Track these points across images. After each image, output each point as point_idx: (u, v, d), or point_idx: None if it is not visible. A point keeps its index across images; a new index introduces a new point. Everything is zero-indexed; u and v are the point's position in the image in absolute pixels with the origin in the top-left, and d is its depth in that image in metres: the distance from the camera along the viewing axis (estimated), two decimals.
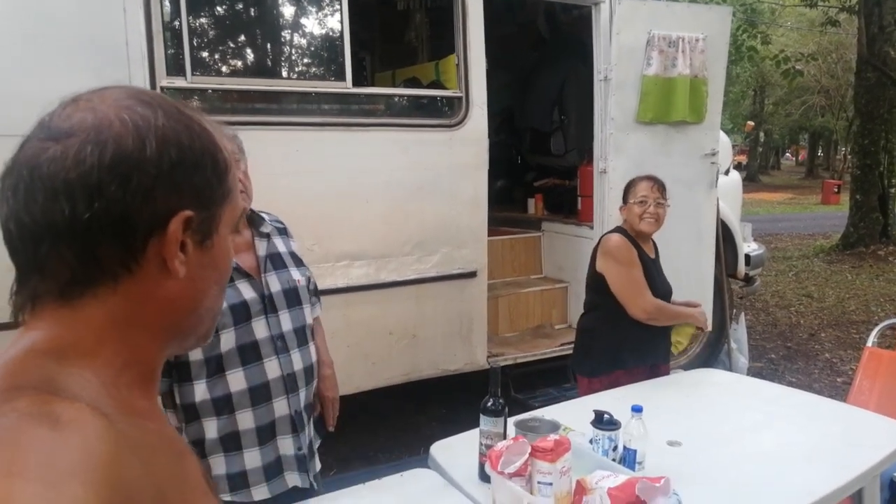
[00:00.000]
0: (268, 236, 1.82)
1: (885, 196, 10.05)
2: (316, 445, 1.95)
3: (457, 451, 1.92)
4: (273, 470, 1.75)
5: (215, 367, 1.67)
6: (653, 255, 2.75)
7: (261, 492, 1.73)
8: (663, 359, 2.76)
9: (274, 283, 1.77)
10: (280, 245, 1.86)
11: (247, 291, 1.72)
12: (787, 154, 47.77)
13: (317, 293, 2.01)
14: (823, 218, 15.66)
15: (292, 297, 1.81)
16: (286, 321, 1.77)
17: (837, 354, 5.57)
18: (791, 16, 21.25)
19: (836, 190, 21.08)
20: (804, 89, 23.79)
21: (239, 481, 1.73)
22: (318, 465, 1.90)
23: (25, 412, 0.49)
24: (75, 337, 0.58)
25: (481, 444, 1.78)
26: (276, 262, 1.82)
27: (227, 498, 1.73)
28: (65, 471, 0.45)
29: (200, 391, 1.68)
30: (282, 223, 1.94)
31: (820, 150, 37.41)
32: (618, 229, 2.73)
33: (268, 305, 1.74)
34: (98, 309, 0.59)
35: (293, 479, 1.78)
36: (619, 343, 2.64)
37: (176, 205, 0.59)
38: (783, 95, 26.16)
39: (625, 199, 2.71)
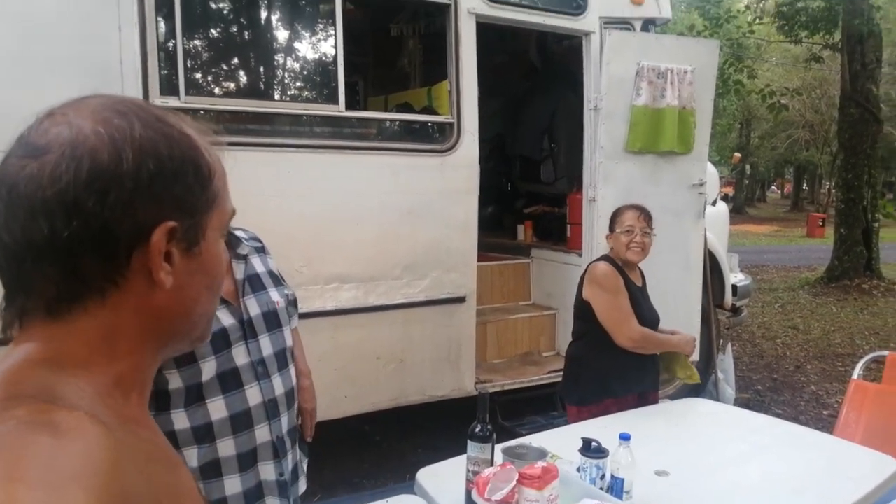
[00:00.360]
0: (245, 258, 1.77)
1: (869, 230, 10.18)
2: (304, 464, 1.91)
3: (444, 477, 1.91)
4: (253, 496, 1.70)
5: (195, 395, 1.62)
6: (640, 284, 2.76)
7: None
8: (652, 387, 2.76)
9: (253, 307, 1.72)
10: (258, 265, 1.81)
11: (225, 318, 1.66)
12: (773, 187, 48.42)
13: (295, 304, 1.96)
14: (809, 251, 15.83)
15: (272, 320, 1.76)
16: (266, 346, 1.72)
17: (823, 387, 5.59)
18: (776, 51, 21.69)
19: (820, 223, 21.34)
20: (789, 123, 24.24)
21: None
22: (302, 486, 1.86)
23: (25, 420, 0.49)
24: (68, 349, 0.57)
25: (468, 470, 1.76)
26: (254, 284, 1.76)
27: None
28: (66, 476, 0.46)
29: (180, 420, 1.63)
30: (259, 241, 1.88)
31: (805, 184, 37.96)
32: (604, 257, 2.74)
33: (247, 331, 1.69)
34: (88, 322, 0.58)
35: (273, 503, 1.75)
36: (607, 371, 2.64)
37: (157, 216, 0.58)
38: (769, 129, 26.63)
39: (611, 228, 2.73)
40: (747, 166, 31.52)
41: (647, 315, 2.68)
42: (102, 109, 0.59)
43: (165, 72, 2.85)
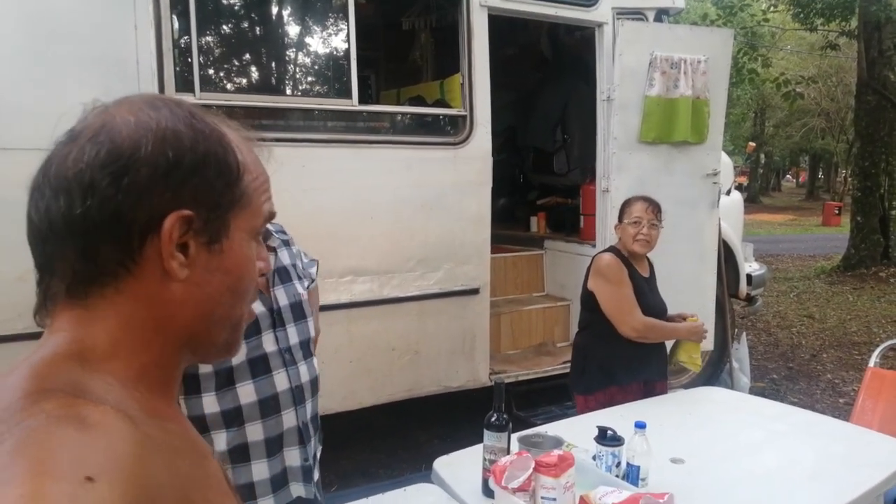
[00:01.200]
0: (275, 250, 1.85)
1: (886, 218, 10.07)
2: (318, 453, 1.96)
3: (460, 466, 1.93)
4: (279, 481, 1.76)
5: (225, 379, 1.69)
6: (646, 274, 2.77)
7: (267, 503, 1.75)
8: (658, 375, 2.77)
9: (282, 298, 1.80)
10: (285, 258, 1.89)
11: (257, 306, 1.74)
12: (788, 176, 47.93)
13: (314, 261, 2.07)
14: (824, 239, 15.68)
15: (298, 311, 1.84)
16: (293, 335, 1.80)
17: (839, 375, 5.56)
18: (791, 39, 21.43)
19: (836, 212, 21.13)
20: (805, 112, 23.97)
21: (246, 493, 1.74)
22: (316, 475, 1.91)
23: (53, 414, 0.50)
24: (92, 338, 0.59)
25: (485, 459, 1.78)
26: (282, 275, 1.84)
27: None
28: (92, 470, 0.46)
29: (210, 403, 1.70)
30: (286, 233, 1.96)
31: (820, 172, 37.55)
32: (611, 249, 2.76)
33: (276, 319, 1.77)
34: (107, 310, 0.60)
35: (297, 489, 1.79)
36: (611, 359, 2.66)
37: (173, 205, 0.59)
38: (784, 118, 26.34)
39: (620, 218, 2.74)
40: (762, 155, 31.21)
41: (652, 305, 2.69)
42: (140, 102, 0.61)
43: (181, 69, 2.88)
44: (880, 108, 9.78)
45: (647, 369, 2.71)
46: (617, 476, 1.82)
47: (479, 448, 1.82)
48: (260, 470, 1.73)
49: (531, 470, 1.62)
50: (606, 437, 1.88)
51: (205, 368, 1.68)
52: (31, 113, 2.37)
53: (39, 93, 2.46)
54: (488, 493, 1.72)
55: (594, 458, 1.89)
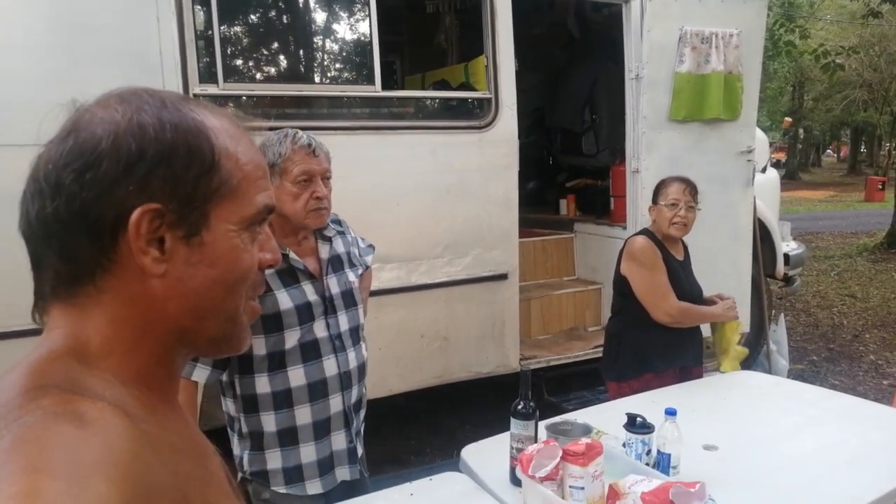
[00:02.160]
0: (330, 240, 1.91)
1: None
2: (362, 429, 2.02)
3: (488, 454, 1.91)
4: (326, 465, 1.84)
5: (278, 362, 1.76)
6: (681, 258, 2.70)
7: (314, 486, 1.81)
8: (694, 360, 2.71)
9: (334, 286, 1.87)
10: (340, 247, 1.95)
11: (311, 293, 1.81)
12: (829, 150, 46.60)
13: (371, 247, 2.18)
14: (867, 215, 15.22)
15: (349, 298, 1.91)
16: (343, 322, 1.87)
17: (883, 356, 5.40)
18: (831, 8, 20.76)
19: (880, 186, 20.48)
20: (845, 84, 23.15)
21: (294, 475, 1.80)
22: (360, 450, 1.96)
23: (50, 411, 0.50)
24: (85, 336, 0.59)
25: (512, 447, 1.76)
26: (335, 264, 1.91)
27: (282, 490, 1.80)
28: (89, 467, 0.46)
29: (262, 384, 1.77)
30: (340, 224, 2.03)
31: (863, 146, 36.39)
32: (644, 231, 2.70)
33: (328, 307, 1.84)
34: (94, 308, 0.59)
35: (343, 473, 1.87)
36: (646, 346, 2.61)
37: (140, 198, 0.57)
38: (823, 90, 25.49)
39: (655, 200, 2.67)
40: (800, 130, 30.37)
41: (687, 290, 2.63)
42: (111, 97, 0.61)
43: (204, 60, 2.89)
44: None
45: (683, 355, 2.66)
46: (647, 464, 1.78)
47: (506, 436, 1.80)
48: (308, 452, 1.81)
49: (559, 459, 1.60)
50: (636, 425, 1.84)
51: (258, 350, 1.75)
52: (52, 107, 2.40)
53: (62, 87, 2.48)
54: (516, 481, 1.70)
55: (624, 445, 1.85)
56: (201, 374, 1.74)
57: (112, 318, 0.60)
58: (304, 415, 1.78)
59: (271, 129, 2.88)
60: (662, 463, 1.79)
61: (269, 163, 1.71)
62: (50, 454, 0.46)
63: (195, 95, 2.76)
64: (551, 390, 3.90)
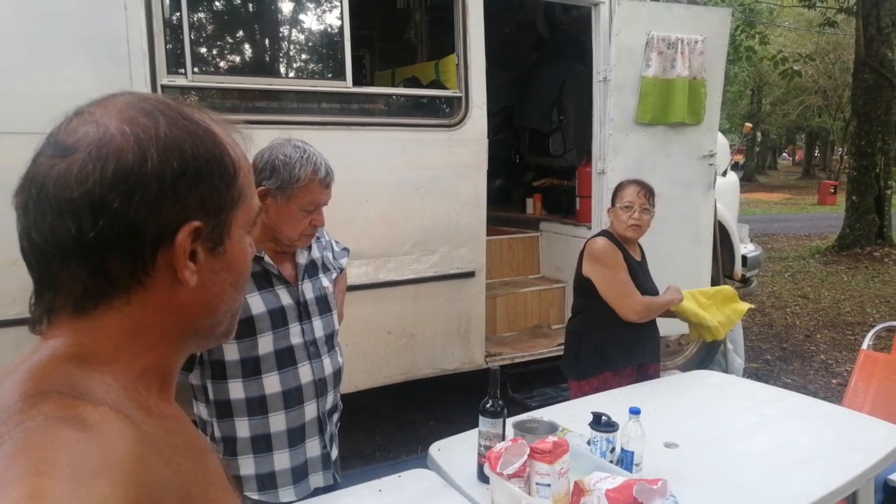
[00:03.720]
0: (309, 246, 1.89)
1: (882, 197, 10.08)
2: (336, 430, 2.00)
3: (455, 451, 1.94)
4: (300, 472, 1.81)
5: (252, 368, 1.73)
6: (638, 258, 2.76)
7: (287, 493, 1.79)
8: (650, 358, 2.77)
9: (308, 291, 1.84)
10: (315, 252, 1.93)
11: (285, 298, 1.79)
12: (784, 154, 47.87)
13: (345, 250, 2.14)
14: (820, 219, 15.71)
15: (323, 304, 1.88)
16: (318, 328, 1.84)
17: (833, 356, 5.60)
18: (789, 16, 21.29)
19: (832, 191, 21.13)
20: (802, 89, 23.87)
21: (267, 482, 1.78)
22: (335, 453, 1.95)
23: (52, 416, 0.50)
24: (94, 344, 0.59)
25: (480, 444, 1.79)
26: (310, 269, 1.88)
27: (254, 496, 1.77)
28: (93, 470, 0.47)
29: (236, 389, 1.74)
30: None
31: (817, 151, 37.50)
32: (603, 233, 2.76)
33: (303, 312, 1.81)
34: (113, 318, 0.60)
35: (317, 479, 1.85)
36: (606, 344, 2.67)
37: (182, 215, 0.59)
38: (781, 95, 26.23)
39: (612, 202, 2.73)
40: (758, 133, 31.13)
41: (646, 289, 2.69)
42: (128, 108, 0.60)
43: (172, 50, 2.84)
44: (877, 87, 9.74)
45: (641, 352, 2.72)
46: (611, 461, 1.83)
47: (474, 433, 1.83)
48: (281, 460, 1.78)
49: (526, 456, 1.63)
50: (601, 423, 1.88)
51: (231, 356, 1.71)
52: (21, 96, 2.34)
53: (29, 75, 2.42)
54: (483, 478, 1.73)
55: (589, 443, 1.90)
56: None
57: (132, 327, 0.60)
58: (278, 422, 1.76)
59: (246, 122, 2.87)
60: (626, 460, 1.84)
61: (279, 181, 1.67)
62: (54, 457, 0.46)
63: (163, 86, 2.72)
64: (515, 387, 3.94)
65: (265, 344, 1.73)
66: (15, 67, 2.41)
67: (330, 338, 1.89)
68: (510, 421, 1.86)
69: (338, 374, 1.91)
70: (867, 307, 7.18)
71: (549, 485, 1.60)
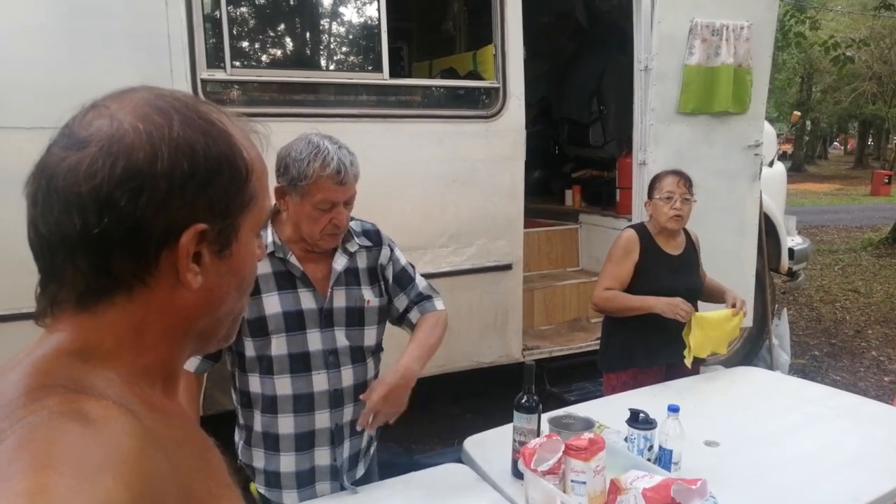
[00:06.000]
0: (352, 254, 1.80)
1: None
2: (372, 448, 1.94)
3: (490, 446, 1.93)
4: (305, 478, 1.78)
5: (266, 366, 1.72)
6: (677, 252, 2.66)
7: (290, 497, 1.77)
8: (681, 359, 2.61)
9: (339, 299, 1.76)
10: (361, 262, 1.82)
11: (306, 301, 1.72)
12: (836, 143, 46.33)
13: (426, 298, 1.94)
14: (873, 210, 15.17)
15: (355, 316, 1.78)
16: (341, 338, 1.76)
17: (885, 352, 5.40)
18: (842, 0, 20.53)
19: (886, 181, 20.37)
20: (854, 76, 22.95)
21: (273, 480, 1.78)
22: (360, 471, 1.88)
23: (56, 410, 0.50)
24: (97, 340, 0.59)
25: (515, 440, 1.77)
26: (349, 277, 1.79)
27: (262, 490, 1.78)
28: (96, 464, 0.47)
29: (255, 383, 1.74)
30: (372, 238, 1.86)
31: (870, 139, 36.16)
32: (636, 225, 2.72)
33: (324, 319, 1.74)
34: (116, 315, 0.59)
35: (324, 488, 1.80)
36: (631, 341, 2.62)
37: (189, 217, 0.59)
38: (832, 82, 25.28)
39: (650, 195, 2.66)
40: (808, 122, 30.18)
41: (679, 284, 2.54)
42: (144, 105, 0.59)
43: (212, 44, 2.87)
44: None
45: (668, 353, 2.57)
46: (649, 460, 1.79)
47: (509, 428, 1.81)
48: (287, 462, 1.76)
49: (561, 453, 1.61)
50: (639, 420, 1.85)
51: (248, 352, 1.70)
52: (60, 91, 2.39)
53: (69, 70, 2.47)
54: (518, 474, 1.71)
55: (626, 440, 1.86)
56: (191, 362, 1.72)
57: (134, 324, 0.60)
58: (286, 424, 1.73)
59: (268, 115, 2.88)
60: (664, 459, 1.80)
61: (290, 178, 1.61)
62: (57, 452, 0.46)
63: (202, 80, 2.75)
64: (553, 381, 3.91)
65: (279, 345, 1.69)
66: (55, 63, 2.47)
67: (357, 350, 1.79)
68: (545, 416, 1.83)
69: (361, 387, 1.79)
70: None
71: (584, 482, 1.58)
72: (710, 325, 2.49)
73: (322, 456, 1.78)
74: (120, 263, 0.58)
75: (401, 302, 1.89)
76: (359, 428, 1.76)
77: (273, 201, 1.66)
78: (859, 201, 18.55)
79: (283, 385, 1.71)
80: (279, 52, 3.58)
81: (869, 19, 18.54)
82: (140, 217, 0.56)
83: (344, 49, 3.72)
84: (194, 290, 0.61)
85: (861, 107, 26.94)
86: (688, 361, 2.48)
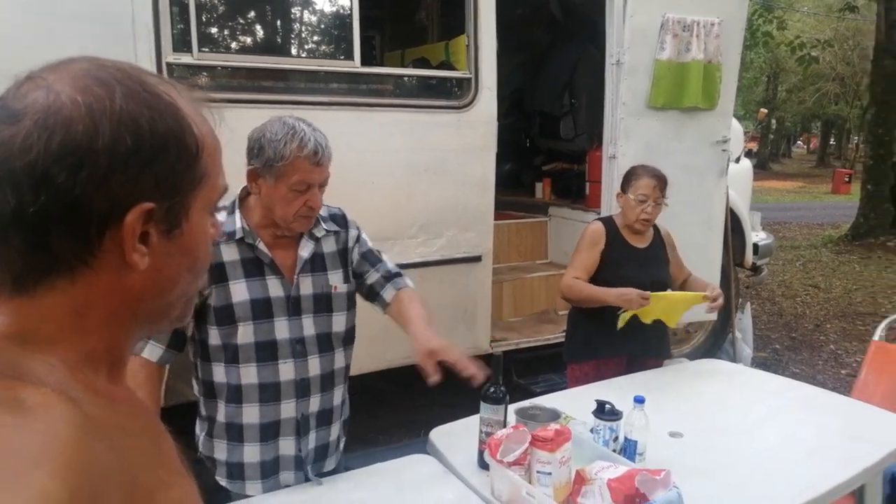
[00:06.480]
0: (318, 239, 1.78)
1: None
2: (341, 443, 1.92)
3: (456, 437, 1.92)
4: (269, 468, 1.75)
5: (232, 355, 1.68)
6: (643, 245, 2.67)
7: (254, 487, 1.74)
8: (645, 353, 2.65)
9: (306, 286, 1.73)
10: (328, 246, 1.81)
11: (274, 289, 1.69)
12: (799, 142, 47.33)
13: (393, 276, 1.93)
14: (833, 207, 15.55)
15: (322, 303, 1.76)
16: (309, 326, 1.74)
17: (843, 346, 5.54)
18: (808, 1, 20.93)
19: (847, 179, 20.90)
20: (819, 76, 23.50)
21: (235, 471, 1.74)
22: (330, 465, 1.86)
23: None
24: (35, 324, 0.55)
25: (481, 431, 1.77)
26: (315, 264, 1.77)
27: (223, 483, 1.74)
28: (30, 459, 0.44)
29: (218, 373, 1.70)
30: (338, 223, 1.85)
31: (832, 139, 37.04)
32: (605, 218, 2.75)
33: (291, 307, 1.71)
34: (56, 299, 0.56)
35: (288, 478, 1.78)
36: (592, 332, 2.64)
37: (133, 195, 0.55)
38: (797, 82, 25.86)
39: (623, 188, 2.64)
40: (773, 121, 30.76)
41: (644, 277, 2.52)
42: (84, 76, 0.55)
43: (178, 27, 2.80)
44: None
45: (630, 345, 2.59)
46: (614, 450, 1.81)
47: (475, 419, 1.81)
48: (251, 453, 1.72)
49: (527, 444, 1.61)
50: (605, 411, 1.86)
51: (213, 340, 1.66)
52: (20, 75, 2.31)
53: (29, 53, 2.38)
54: (484, 465, 1.71)
55: (592, 431, 1.88)
56: (153, 351, 1.67)
57: (76, 308, 0.57)
58: (251, 414, 1.70)
59: (237, 101, 2.82)
60: (629, 449, 1.82)
61: (266, 159, 1.58)
62: None
63: (168, 64, 2.69)
64: (520, 373, 3.92)
65: (245, 334, 1.66)
66: (17, 45, 2.38)
67: (325, 338, 1.76)
68: (512, 407, 1.84)
69: (328, 377, 1.77)
70: (879, 297, 7.10)
71: (550, 473, 1.58)
72: (669, 302, 2.48)
73: (287, 446, 1.75)
74: (59, 244, 0.54)
75: (371, 277, 1.88)
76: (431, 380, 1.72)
77: (234, 184, 1.62)
78: (821, 199, 19.00)
79: (249, 374, 1.68)
80: (249, 38, 3.52)
81: (833, 21, 18.95)
82: (80, 194, 0.53)
83: (315, 36, 3.67)
84: (142, 272, 0.58)
85: (824, 107, 27.59)
86: (620, 322, 2.43)
